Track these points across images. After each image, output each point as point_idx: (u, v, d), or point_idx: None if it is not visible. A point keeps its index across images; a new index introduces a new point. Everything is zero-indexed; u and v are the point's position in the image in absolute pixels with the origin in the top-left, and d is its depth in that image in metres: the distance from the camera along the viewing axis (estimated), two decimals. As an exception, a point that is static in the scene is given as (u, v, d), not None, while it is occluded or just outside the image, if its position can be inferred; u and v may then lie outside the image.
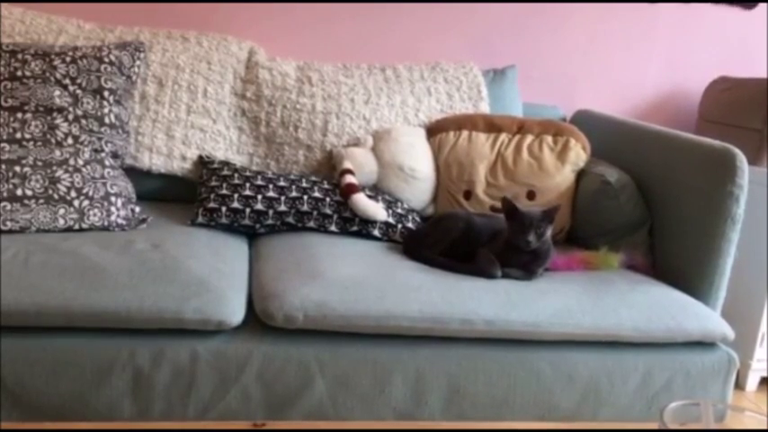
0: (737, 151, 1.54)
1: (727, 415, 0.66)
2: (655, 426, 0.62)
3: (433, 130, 1.89)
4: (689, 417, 0.62)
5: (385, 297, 1.34)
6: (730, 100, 2.15)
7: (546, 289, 1.46)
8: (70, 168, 1.54)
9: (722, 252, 1.55)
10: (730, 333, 1.47)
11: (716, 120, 2.21)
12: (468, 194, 1.86)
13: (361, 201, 1.70)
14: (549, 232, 1.47)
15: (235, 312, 1.30)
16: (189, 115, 1.84)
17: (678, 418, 0.61)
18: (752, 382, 2.13)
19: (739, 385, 2.05)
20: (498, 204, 1.68)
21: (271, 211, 1.65)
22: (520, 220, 1.45)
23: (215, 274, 1.35)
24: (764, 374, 2.10)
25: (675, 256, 1.64)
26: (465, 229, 1.59)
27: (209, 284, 1.30)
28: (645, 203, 1.74)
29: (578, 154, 1.85)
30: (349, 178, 1.75)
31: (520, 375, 1.39)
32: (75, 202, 1.52)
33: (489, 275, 1.47)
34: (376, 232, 1.70)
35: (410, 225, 1.73)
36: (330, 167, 1.87)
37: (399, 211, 1.77)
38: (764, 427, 0.62)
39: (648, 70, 2.37)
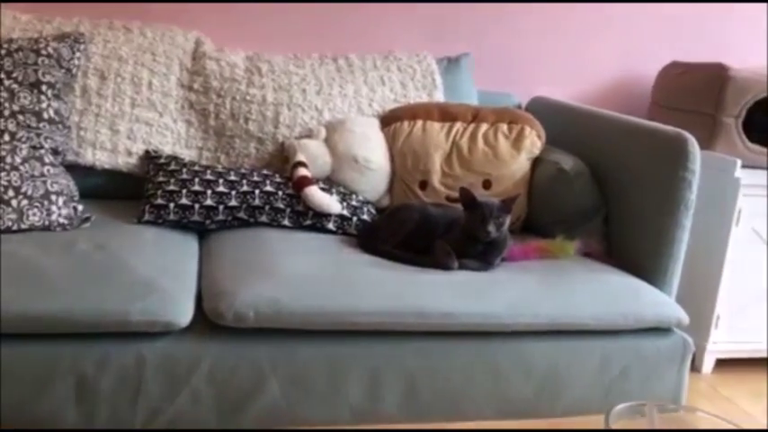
0: (689, 136, 1.55)
1: (679, 413, 0.65)
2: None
3: (387, 120, 1.89)
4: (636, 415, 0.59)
5: (340, 292, 1.34)
6: (683, 85, 2.17)
7: (503, 279, 1.47)
8: (7, 167, 1.50)
9: (676, 238, 1.57)
10: (685, 318, 1.49)
11: (669, 105, 2.23)
12: (424, 185, 1.85)
13: (315, 194, 1.68)
14: (507, 222, 1.48)
15: (183, 312, 1.28)
16: (133, 109, 1.81)
17: (625, 418, 0.60)
18: (707, 364, 2.18)
19: (695, 368, 2.08)
20: (454, 194, 1.69)
21: (221, 207, 1.63)
22: (479, 210, 1.45)
23: (162, 273, 1.33)
24: (720, 356, 2.14)
25: (630, 242, 1.65)
26: (421, 220, 1.59)
27: (155, 284, 1.28)
28: (600, 190, 1.75)
29: (533, 142, 1.86)
30: (302, 171, 1.74)
31: (477, 368, 1.40)
32: (14, 202, 1.48)
33: (446, 267, 1.47)
34: (330, 226, 1.69)
35: (365, 217, 1.72)
36: (282, 160, 1.86)
37: (354, 203, 1.76)
38: (718, 428, 0.60)
39: (603, 56, 2.39)
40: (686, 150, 1.54)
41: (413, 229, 1.59)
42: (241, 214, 1.64)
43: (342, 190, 1.80)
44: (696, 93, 2.09)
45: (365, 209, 1.77)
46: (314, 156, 1.80)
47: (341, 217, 1.71)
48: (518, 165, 1.84)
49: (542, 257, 1.63)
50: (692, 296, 1.73)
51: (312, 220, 1.69)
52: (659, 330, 1.51)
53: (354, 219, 1.71)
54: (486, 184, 1.84)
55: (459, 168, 1.84)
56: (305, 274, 1.37)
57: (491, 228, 1.43)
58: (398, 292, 1.37)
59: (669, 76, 2.28)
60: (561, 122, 1.95)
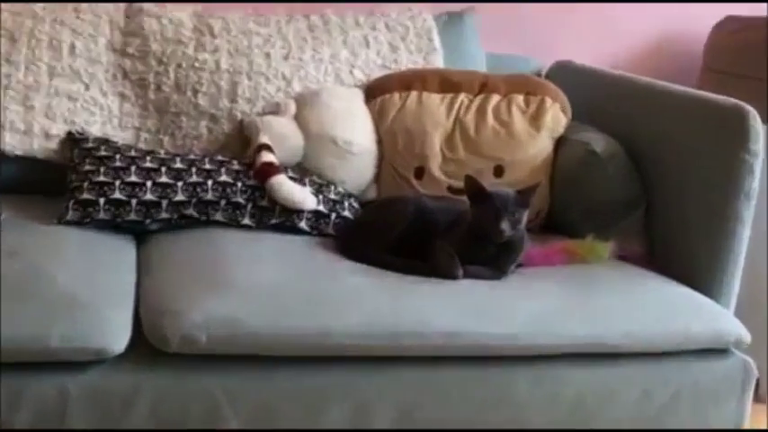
0: (750, 109, 1.56)
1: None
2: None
3: (373, 92, 1.92)
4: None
5: (315, 308, 1.36)
6: (741, 45, 2.17)
7: (520, 290, 1.49)
8: None
9: (734, 236, 1.58)
10: (746, 336, 1.50)
11: (724, 70, 2.22)
12: (420, 172, 1.87)
13: (283, 185, 1.71)
14: (524, 219, 1.49)
15: (117, 337, 1.29)
16: (52, 79, 1.82)
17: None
18: (774, 391, 2.09)
19: (759, 397, 1.98)
20: (458, 184, 1.70)
21: (164, 202, 1.64)
22: (489, 203, 1.46)
23: (90, 287, 1.33)
24: (789, 384, 2.10)
25: (677, 242, 1.67)
26: (417, 216, 1.60)
27: (81, 302, 1.29)
28: (639, 178, 1.77)
29: (556, 117, 1.89)
30: (266, 156, 1.76)
31: (489, 401, 1.41)
32: None
33: (449, 276, 1.48)
34: (303, 225, 1.72)
35: (346, 214, 1.76)
36: (241, 143, 1.88)
37: (332, 196, 1.79)
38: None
39: (641, 11, 2.39)
40: (747, 126, 1.55)
41: (406, 229, 1.61)
42: (190, 211, 1.67)
43: (317, 180, 1.82)
44: (758, 55, 2.08)
45: (346, 203, 1.80)
46: (281, 137, 1.83)
47: (316, 214, 1.73)
48: (537, 146, 1.87)
49: (568, 262, 1.64)
50: (754, 309, 1.74)
51: (280, 219, 1.72)
52: (714, 352, 1.52)
53: (333, 216, 1.75)
54: (498, 171, 1.86)
55: (463, 152, 1.86)
56: (270, 286, 1.39)
57: (504, 226, 1.44)
58: (388, 307, 1.38)
59: (724, 34, 2.28)
60: (590, 93, 1.98)
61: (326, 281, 1.46)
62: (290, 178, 1.74)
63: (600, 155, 1.77)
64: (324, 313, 1.35)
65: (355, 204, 1.81)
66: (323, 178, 1.84)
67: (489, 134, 1.85)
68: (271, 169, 1.72)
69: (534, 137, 1.86)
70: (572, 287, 1.52)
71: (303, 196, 1.71)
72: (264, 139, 1.80)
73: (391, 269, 1.53)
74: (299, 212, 1.71)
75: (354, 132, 1.87)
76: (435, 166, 1.87)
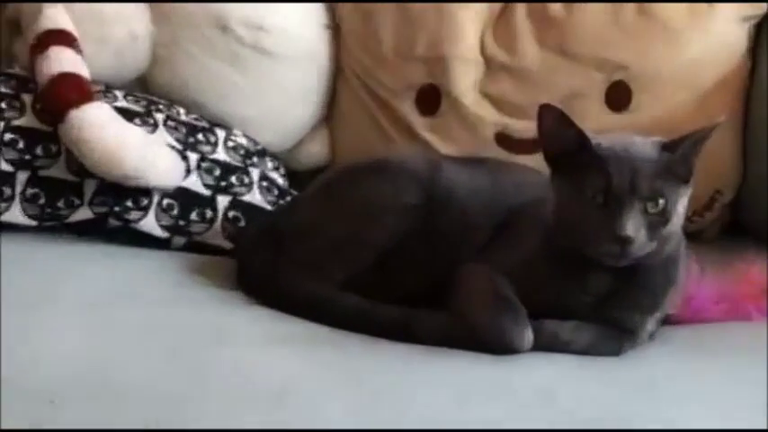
0: None
1: None
2: None
3: None
4: None
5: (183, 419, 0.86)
6: None
7: (672, 380, 0.96)
8: None
9: None
10: None
11: None
12: (432, 98, 1.37)
13: (105, 128, 1.19)
14: (682, 210, 0.98)
15: None
16: None
17: None
18: None
19: None
20: (521, 128, 1.33)
21: None
22: (594, 174, 0.96)
23: None
24: None
25: None
26: (426, 209, 1.09)
27: None
28: None
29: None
30: (63, 58, 1.25)
31: None
32: None
33: (502, 345, 0.97)
34: (149, 224, 1.22)
35: (257, 201, 1.28)
36: (9, 37, 1.40)
37: (224, 157, 1.31)
38: None
39: None
40: None
41: (403, 239, 1.09)
42: None
43: (185, 118, 1.33)
44: None
45: (255, 175, 1.33)
46: (100, 22, 1.32)
47: (184, 198, 1.25)
48: (710, 40, 1.35)
49: None
50: None
51: (95, 208, 1.21)
52: None
53: (226, 202, 1.27)
54: (617, 96, 1.34)
55: (535, 49, 1.35)
56: (66, 369, 0.93)
57: (631, 228, 0.93)
58: (358, 421, 0.87)
59: None
60: None
61: (206, 364, 0.93)
62: (121, 112, 1.25)
63: None
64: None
65: (280, 179, 1.34)
66: (200, 113, 1.35)
67: (596, 14, 1.35)
68: (72, 90, 1.21)
69: (700, 20, 1.34)
70: None
71: (152, 156, 1.21)
72: (57, 20, 1.28)
73: (365, 329, 1.01)
74: (138, 195, 1.21)
75: (270, 6, 1.38)
76: (467, 84, 1.35)
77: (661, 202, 0.93)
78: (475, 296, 1.01)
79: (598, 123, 1.24)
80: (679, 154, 0.95)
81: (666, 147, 0.96)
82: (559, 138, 0.96)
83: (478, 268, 1.05)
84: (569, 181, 0.96)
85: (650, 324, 1.02)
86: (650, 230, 0.94)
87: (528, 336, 0.96)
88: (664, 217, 0.95)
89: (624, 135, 1.00)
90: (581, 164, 0.95)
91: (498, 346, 0.95)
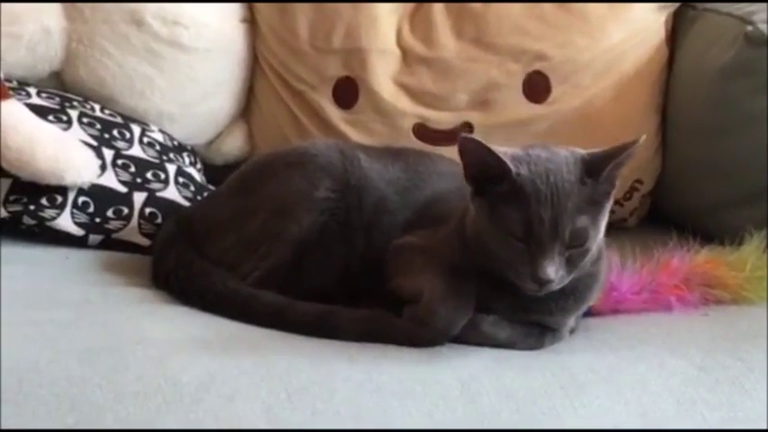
0: None
1: None
2: None
3: None
4: None
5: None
6: None
7: (592, 373, 0.96)
8: None
9: None
10: None
11: None
12: (349, 89, 1.39)
13: (20, 125, 1.20)
14: (602, 222, 0.96)
15: None
16: None
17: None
18: None
19: None
20: (440, 118, 1.36)
21: None
22: (517, 205, 0.94)
23: None
24: None
25: None
26: (338, 200, 1.09)
27: None
28: None
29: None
30: None
31: None
32: None
33: (423, 336, 0.96)
34: (62, 221, 1.21)
35: (174, 194, 1.28)
36: None
37: (139, 152, 1.31)
38: None
39: None
40: None
41: (320, 228, 1.08)
42: None
43: (99, 114, 1.34)
44: None
45: (171, 171, 1.33)
46: (12, 16, 1.34)
47: (97, 195, 1.23)
48: (630, 30, 1.39)
49: (702, 303, 1.13)
50: None
51: (12, 208, 1.20)
52: None
53: (141, 199, 1.26)
54: (535, 86, 1.36)
55: (450, 39, 1.38)
56: None
57: (551, 270, 0.93)
58: (273, 417, 0.87)
59: None
60: None
61: (119, 372, 0.89)
62: (34, 109, 1.24)
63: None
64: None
65: (197, 175, 1.35)
66: (115, 109, 1.36)
67: (513, 4, 1.38)
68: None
69: (618, 9, 1.39)
70: (710, 362, 0.99)
71: (65, 154, 1.20)
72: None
73: (282, 326, 1.00)
74: (53, 192, 1.20)
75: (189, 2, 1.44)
76: (384, 76, 1.37)
77: (582, 239, 0.93)
78: (400, 280, 1.01)
79: (517, 114, 1.29)
80: (602, 177, 0.94)
81: (590, 167, 0.93)
82: (481, 167, 0.94)
83: (403, 242, 1.05)
84: (490, 208, 0.94)
85: (572, 321, 1.03)
86: (569, 266, 0.94)
87: (452, 326, 0.95)
88: (584, 249, 0.94)
89: (547, 150, 0.95)
90: (502, 194, 0.93)
91: (421, 336, 0.94)
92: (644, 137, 0.98)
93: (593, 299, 1.04)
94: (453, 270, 1.00)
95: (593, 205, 0.94)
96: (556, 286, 0.94)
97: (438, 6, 1.44)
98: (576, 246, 0.93)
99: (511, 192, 0.93)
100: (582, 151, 0.95)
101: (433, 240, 1.04)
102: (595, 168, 0.93)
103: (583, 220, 0.93)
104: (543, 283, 0.92)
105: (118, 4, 1.36)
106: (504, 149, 0.95)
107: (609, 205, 0.97)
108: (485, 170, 0.94)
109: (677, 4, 1.46)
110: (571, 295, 0.98)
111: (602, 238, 0.99)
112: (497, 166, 0.92)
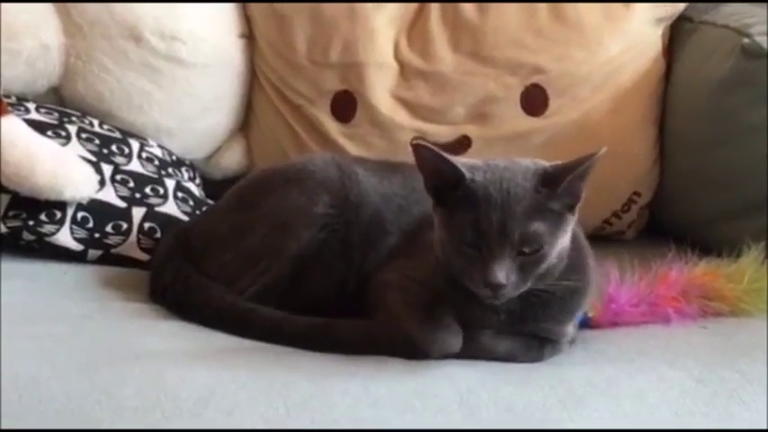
0: None
1: None
2: None
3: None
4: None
5: None
6: None
7: (590, 385, 0.96)
8: None
9: None
10: None
11: None
12: (347, 103, 1.41)
13: (19, 141, 1.22)
14: (566, 236, 0.98)
15: None
16: None
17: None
18: None
19: None
20: (438, 132, 1.37)
21: None
22: (468, 209, 0.95)
23: None
24: None
25: None
26: (336, 215, 1.10)
27: None
28: None
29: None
30: None
31: None
32: None
33: (422, 348, 0.97)
34: (61, 236, 1.22)
35: (172, 210, 1.29)
36: None
37: (138, 168, 1.31)
38: None
39: None
40: None
41: (317, 243, 1.09)
42: None
43: (98, 129, 1.35)
44: None
45: (170, 186, 1.34)
46: (12, 33, 1.34)
47: (97, 210, 1.24)
48: (625, 41, 1.41)
49: (700, 315, 1.14)
50: None
51: (11, 224, 1.21)
52: None
53: (140, 214, 1.28)
54: (536, 98, 1.38)
55: (448, 54, 1.38)
56: None
57: (499, 273, 0.93)
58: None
59: None
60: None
61: (119, 386, 0.89)
62: (33, 124, 1.25)
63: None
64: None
65: (196, 190, 1.36)
66: (114, 124, 1.38)
67: (510, 18, 1.39)
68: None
69: (615, 22, 1.39)
70: (708, 375, 0.99)
71: (64, 169, 1.21)
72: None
73: (280, 340, 1.01)
74: (52, 208, 1.21)
75: (185, 15, 1.39)
76: (382, 90, 1.38)
77: (535, 244, 0.93)
78: (400, 304, 1.01)
79: (515, 127, 1.31)
80: (561, 188, 0.94)
81: (547, 177, 0.94)
82: (437, 174, 0.95)
83: (393, 277, 1.05)
84: (446, 216, 0.96)
85: (570, 330, 1.03)
86: (523, 272, 0.94)
87: (450, 340, 0.95)
88: (539, 255, 0.94)
89: (510, 161, 0.97)
90: (456, 201, 0.95)
91: (431, 350, 0.95)
92: (605, 149, 0.97)
93: (590, 305, 1.05)
94: (435, 301, 1.00)
95: (550, 213, 0.94)
96: (511, 293, 0.94)
97: (435, 20, 1.45)
98: (529, 252, 0.93)
99: (464, 198, 0.94)
100: (546, 164, 0.96)
101: (415, 272, 1.04)
102: (553, 179, 0.93)
103: (536, 226, 0.93)
104: (494, 287, 0.93)
105: (117, 20, 1.36)
106: (464, 160, 0.97)
107: (572, 218, 0.96)
108: (441, 178, 0.96)
109: (675, 17, 1.46)
110: (560, 303, 0.98)
111: (583, 241, 1.01)
112: (452, 172, 0.94)
